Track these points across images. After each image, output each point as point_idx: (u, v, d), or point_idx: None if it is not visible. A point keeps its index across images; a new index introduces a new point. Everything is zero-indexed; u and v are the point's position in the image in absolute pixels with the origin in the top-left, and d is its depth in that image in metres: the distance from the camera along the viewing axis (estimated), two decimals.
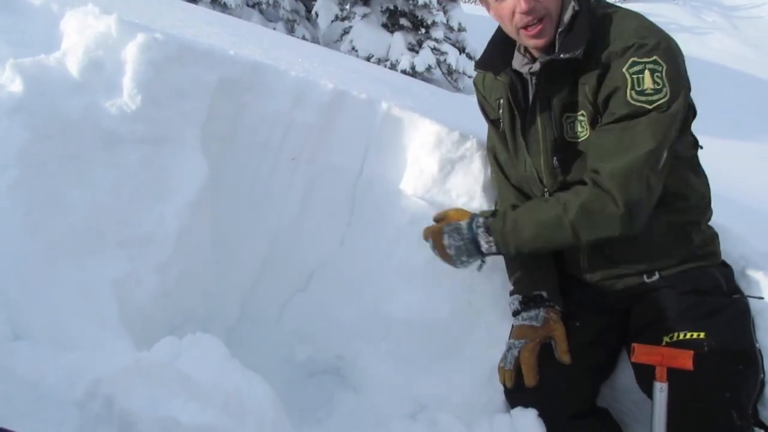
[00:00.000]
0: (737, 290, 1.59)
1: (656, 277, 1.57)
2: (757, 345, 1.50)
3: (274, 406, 1.17)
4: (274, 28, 12.73)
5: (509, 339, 1.64)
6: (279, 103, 1.86)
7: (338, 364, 1.87)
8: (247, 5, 14.91)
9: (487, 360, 1.71)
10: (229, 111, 1.82)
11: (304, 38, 13.45)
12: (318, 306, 1.90)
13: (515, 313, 1.66)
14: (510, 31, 1.53)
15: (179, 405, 1.01)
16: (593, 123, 1.50)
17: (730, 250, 1.68)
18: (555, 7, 1.47)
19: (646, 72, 1.39)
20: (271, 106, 1.86)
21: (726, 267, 1.63)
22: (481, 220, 1.56)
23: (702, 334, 1.44)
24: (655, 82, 1.39)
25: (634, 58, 1.40)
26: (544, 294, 1.63)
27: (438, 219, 1.69)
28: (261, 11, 15.00)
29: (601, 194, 1.42)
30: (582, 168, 1.53)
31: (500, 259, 1.77)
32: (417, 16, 13.96)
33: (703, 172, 1.64)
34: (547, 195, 1.63)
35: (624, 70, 1.40)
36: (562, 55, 1.46)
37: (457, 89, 13.38)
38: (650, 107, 1.39)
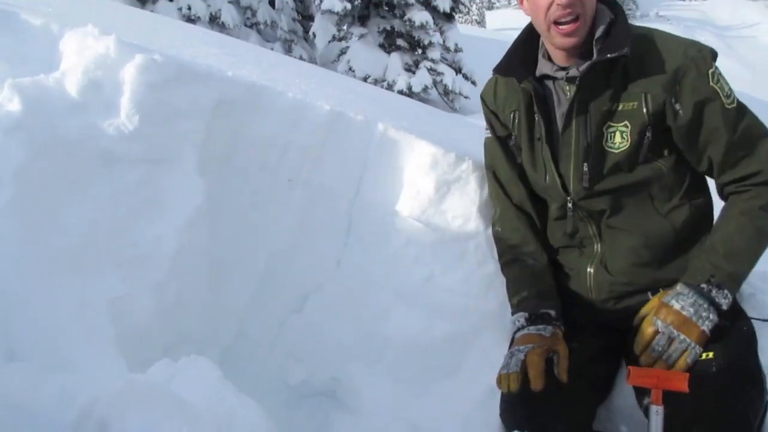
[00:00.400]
0: (740, 310, 1.59)
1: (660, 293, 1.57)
2: (762, 367, 1.50)
3: (268, 430, 1.16)
4: (272, 48, 12.84)
5: (512, 347, 1.58)
6: (276, 124, 1.87)
7: (334, 387, 1.85)
8: (245, 25, 15.05)
9: (483, 382, 1.70)
10: (226, 132, 1.83)
11: (301, 58, 13.57)
12: (314, 327, 1.90)
13: (519, 329, 1.61)
14: (541, 24, 1.50)
15: (173, 429, 1.00)
16: (642, 133, 1.50)
17: None
18: (591, 11, 1.48)
19: (719, 78, 1.49)
20: (269, 127, 1.87)
21: None
22: (704, 286, 1.46)
23: (710, 354, 1.44)
24: (725, 83, 1.51)
25: (710, 70, 1.48)
26: (552, 313, 1.61)
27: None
28: (259, 31, 15.15)
29: None
30: (611, 175, 1.54)
31: (496, 279, 1.77)
32: (414, 37, 14.12)
33: (708, 189, 1.65)
34: (570, 204, 1.60)
35: (711, 84, 1.47)
36: (609, 55, 1.46)
37: (454, 110, 13.49)
38: (736, 104, 1.50)
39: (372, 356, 1.81)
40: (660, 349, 1.45)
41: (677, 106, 1.47)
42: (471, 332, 1.79)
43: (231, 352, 1.88)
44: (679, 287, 1.49)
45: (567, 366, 1.52)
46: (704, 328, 1.43)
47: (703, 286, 1.45)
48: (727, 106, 1.48)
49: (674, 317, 1.44)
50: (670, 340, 1.44)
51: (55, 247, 1.42)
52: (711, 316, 1.43)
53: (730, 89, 1.50)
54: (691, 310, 1.44)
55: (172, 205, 1.62)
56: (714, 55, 1.51)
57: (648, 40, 1.51)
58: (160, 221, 1.60)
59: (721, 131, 1.48)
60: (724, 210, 1.55)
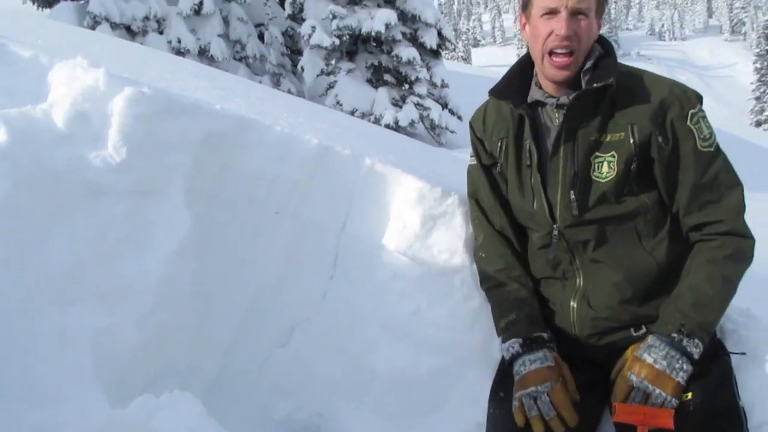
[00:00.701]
0: (720, 346, 1.60)
1: (643, 330, 1.58)
2: (741, 402, 1.50)
3: None
4: (260, 82, 12.96)
5: (526, 388, 1.53)
6: (264, 158, 1.89)
7: (319, 422, 1.83)
8: (234, 59, 15.20)
9: (469, 417, 1.69)
10: (214, 164, 1.84)
11: (289, 92, 13.70)
12: (299, 361, 1.88)
13: (515, 357, 1.59)
14: (537, 52, 1.56)
15: None
16: (628, 163, 1.53)
17: None
18: (585, 49, 1.54)
19: (700, 120, 1.53)
20: (257, 160, 1.88)
21: None
22: (675, 335, 1.46)
23: (689, 395, 1.44)
24: (706, 125, 1.54)
25: (691, 111, 1.52)
26: (545, 336, 1.61)
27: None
28: (248, 65, 15.30)
29: (738, 248, 1.52)
30: (599, 205, 1.56)
31: (482, 313, 1.76)
32: (401, 72, 14.32)
33: None
34: (555, 232, 1.61)
35: (689, 124, 1.51)
36: (595, 85, 1.51)
37: (440, 144, 13.63)
38: (713, 149, 1.53)
39: (358, 391, 1.79)
40: (637, 401, 1.45)
41: (660, 139, 1.51)
42: (457, 367, 1.78)
43: (215, 386, 1.85)
44: (650, 339, 1.50)
45: (575, 384, 1.56)
46: (678, 379, 1.43)
47: (674, 335, 1.46)
48: (700, 148, 1.51)
49: (648, 371, 1.45)
50: (646, 395, 1.44)
51: (38, 278, 1.40)
52: (684, 366, 1.44)
53: (710, 134, 1.53)
54: (664, 363, 1.44)
55: (159, 238, 1.61)
56: (699, 98, 1.55)
57: (637, 76, 1.57)
58: (146, 253, 1.59)
59: (690, 172, 1.52)
60: (690, 258, 1.56)
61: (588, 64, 1.56)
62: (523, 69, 1.68)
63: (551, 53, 1.52)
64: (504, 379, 1.65)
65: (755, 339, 1.61)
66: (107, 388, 1.36)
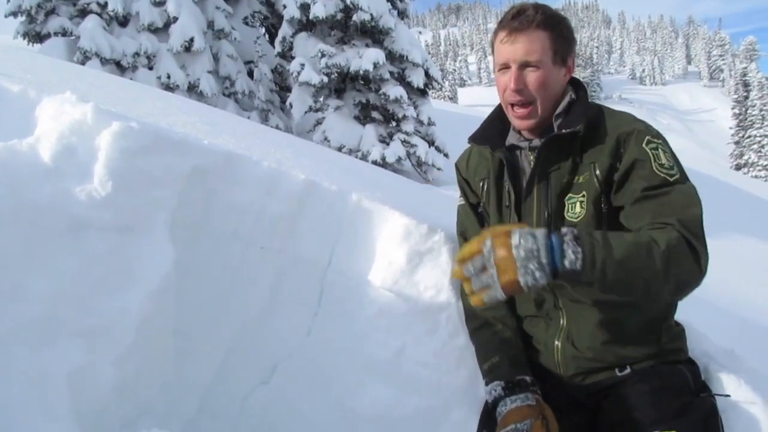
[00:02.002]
0: (704, 388, 1.60)
1: (627, 371, 1.58)
2: None
3: None
4: (249, 117, 13.05)
5: (506, 426, 1.50)
6: (250, 193, 1.89)
7: None
8: (224, 94, 15.33)
9: None
10: (199, 199, 1.83)
11: (277, 127, 13.80)
12: (281, 400, 1.84)
13: (497, 399, 1.58)
14: (502, 103, 1.63)
15: None
16: (597, 202, 1.53)
17: (693, 346, 1.70)
18: (545, 97, 1.57)
19: (660, 150, 1.50)
20: (242, 195, 1.88)
21: (692, 364, 1.64)
22: (564, 230, 1.32)
23: None
24: (667, 159, 1.49)
25: (648, 137, 1.51)
26: (528, 379, 1.60)
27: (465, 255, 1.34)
28: (237, 101, 15.43)
29: (682, 237, 1.37)
30: None
31: (467, 352, 1.75)
32: (388, 110, 14.50)
33: None
34: None
35: (643, 146, 1.49)
36: (564, 131, 1.54)
37: (427, 181, 13.72)
38: (671, 179, 1.46)
39: (342, 431, 1.76)
40: (472, 270, 1.30)
41: (617, 164, 1.52)
42: (442, 407, 1.75)
43: (194, 425, 1.80)
44: (537, 230, 1.31)
45: (557, 427, 1.52)
46: (520, 279, 1.27)
47: (563, 231, 1.31)
48: (655, 170, 1.47)
49: (502, 251, 1.28)
50: (484, 268, 1.30)
51: (15, 316, 1.36)
52: (537, 275, 1.26)
53: (671, 165, 1.47)
54: (522, 253, 1.27)
55: (141, 275, 1.59)
56: (659, 134, 1.55)
57: (600, 115, 1.59)
58: (127, 291, 1.55)
59: (636, 184, 1.47)
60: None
61: (560, 109, 1.60)
62: (501, 114, 1.72)
63: (512, 105, 1.58)
64: (488, 420, 1.63)
65: (740, 381, 1.61)
66: (84, 428, 1.32)
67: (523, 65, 1.53)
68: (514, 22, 1.53)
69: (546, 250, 1.28)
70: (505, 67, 1.56)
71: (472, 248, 1.31)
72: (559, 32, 1.57)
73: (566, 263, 1.28)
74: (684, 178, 1.49)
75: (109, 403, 1.48)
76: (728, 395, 1.59)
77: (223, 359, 1.88)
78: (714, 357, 1.70)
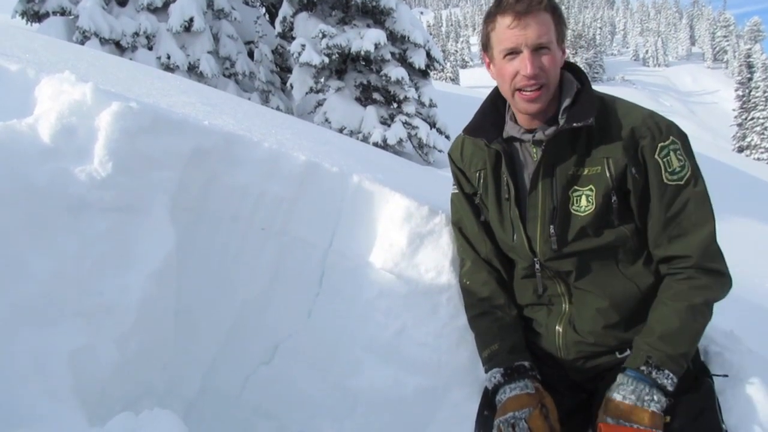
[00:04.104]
0: (703, 369, 1.61)
1: (627, 353, 1.58)
2: (724, 426, 1.50)
3: None
4: (249, 98, 12.98)
5: (505, 414, 1.53)
6: (251, 174, 1.88)
7: None
8: (224, 75, 15.22)
9: None
10: (200, 181, 1.82)
11: (278, 109, 13.73)
12: (282, 380, 1.85)
13: (497, 386, 1.60)
14: (506, 91, 1.57)
15: None
16: (607, 196, 1.53)
17: None
18: (554, 80, 1.54)
19: (671, 153, 1.51)
20: (243, 176, 1.87)
21: None
22: (643, 368, 1.48)
23: (667, 418, 1.44)
24: (678, 159, 1.51)
25: (661, 144, 1.51)
26: (526, 364, 1.61)
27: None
28: (237, 81, 15.32)
29: (709, 275, 1.52)
30: (578, 239, 1.55)
31: (468, 333, 1.76)
32: (389, 92, 14.41)
33: None
34: (537, 265, 1.62)
35: (656, 156, 1.51)
36: (575, 124, 1.51)
37: (428, 162, 13.69)
38: (683, 183, 1.51)
39: (341, 411, 1.77)
40: None
41: (634, 170, 1.51)
42: (442, 387, 1.76)
43: (196, 405, 1.82)
44: (618, 378, 1.51)
45: (557, 415, 1.54)
46: (653, 409, 1.44)
47: (642, 368, 1.48)
48: (666, 181, 1.50)
49: (619, 410, 1.46)
50: None
51: (17, 295, 1.37)
52: (656, 397, 1.45)
53: (681, 166, 1.51)
54: (633, 397, 1.46)
55: (142, 254, 1.59)
56: (671, 128, 1.53)
57: (611, 106, 1.56)
58: (128, 270, 1.56)
59: (656, 206, 1.52)
60: (660, 292, 1.56)
61: (567, 101, 1.56)
62: (495, 104, 1.69)
63: (520, 90, 1.53)
64: (488, 406, 1.64)
65: (738, 361, 1.62)
66: (86, 407, 1.33)
67: (537, 48, 1.49)
68: (520, 5, 1.48)
69: (648, 386, 1.46)
70: (514, 52, 1.51)
71: None
72: (559, 14, 1.55)
73: (669, 388, 1.46)
74: (694, 175, 1.52)
75: (111, 382, 1.49)
76: (726, 375, 1.60)
77: (225, 340, 1.89)
78: (713, 338, 1.70)
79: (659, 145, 1.50)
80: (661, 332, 1.49)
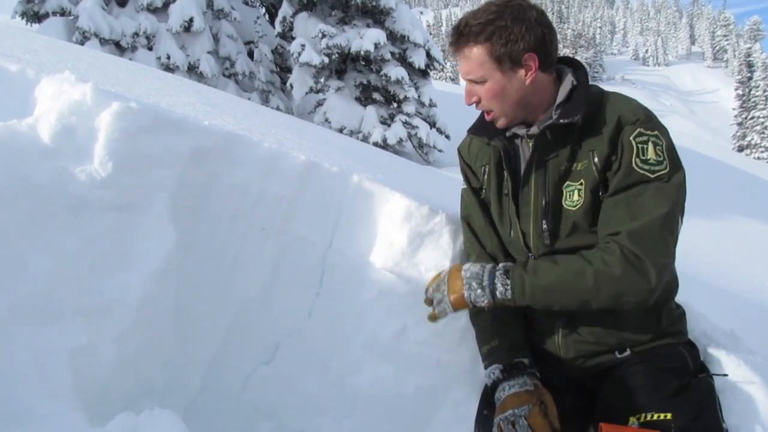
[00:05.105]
0: (703, 369, 1.60)
1: (627, 353, 1.59)
2: (724, 425, 1.50)
3: None
4: (249, 98, 12.97)
5: (505, 411, 1.52)
6: (250, 174, 1.88)
7: None
8: (224, 75, 15.23)
9: None
10: (200, 180, 1.83)
11: (278, 109, 13.72)
12: (282, 379, 1.86)
13: (496, 383, 1.59)
14: None
15: None
16: (595, 190, 1.52)
17: (692, 327, 1.71)
18: (502, 105, 1.55)
19: (650, 143, 1.46)
20: (243, 176, 1.88)
21: (692, 346, 1.65)
22: (500, 265, 1.55)
23: (669, 416, 1.43)
24: (657, 154, 1.46)
25: (641, 129, 1.47)
26: (526, 361, 1.61)
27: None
28: (237, 81, 15.33)
29: (622, 254, 1.42)
30: (571, 234, 1.56)
31: (468, 332, 1.76)
32: (389, 91, 14.42)
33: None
34: (531, 261, 1.60)
35: (631, 138, 1.47)
36: (561, 121, 1.52)
37: (428, 162, 13.69)
38: (652, 176, 1.44)
39: (341, 410, 1.77)
40: (431, 291, 1.59)
41: (613, 158, 1.50)
42: (443, 386, 1.77)
43: (196, 403, 1.82)
44: (487, 265, 1.56)
45: (557, 412, 1.52)
46: (465, 293, 1.52)
47: (498, 267, 1.53)
48: (634, 165, 1.45)
49: (454, 274, 1.56)
50: (438, 288, 1.58)
51: (16, 294, 1.37)
52: (478, 292, 1.51)
53: (659, 161, 1.45)
54: (468, 274, 1.53)
55: (141, 253, 1.59)
56: (662, 128, 1.50)
57: (600, 102, 1.56)
58: (128, 269, 1.56)
59: (613, 185, 1.48)
60: None
61: (561, 97, 1.57)
62: None
63: None
64: (488, 404, 1.64)
65: (739, 361, 1.62)
66: (86, 407, 1.33)
67: (470, 81, 1.55)
68: (452, 41, 1.55)
69: (488, 277, 1.51)
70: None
71: (433, 276, 1.61)
72: (497, 40, 1.48)
73: (497, 294, 1.51)
74: (672, 173, 1.45)
75: (111, 381, 1.49)
76: (726, 375, 1.60)
77: (224, 339, 1.89)
78: (713, 338, 1.70)
79: (639, 130, 1.47)
80: (534, 266, 1.51)
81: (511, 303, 1.51)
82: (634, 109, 1.52)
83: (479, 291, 1.51)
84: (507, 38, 1.49)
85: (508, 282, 1.49)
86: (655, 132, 1.48)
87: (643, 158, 1.45)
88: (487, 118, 1.59)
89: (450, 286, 1.55)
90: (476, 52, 1.50)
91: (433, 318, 1.59)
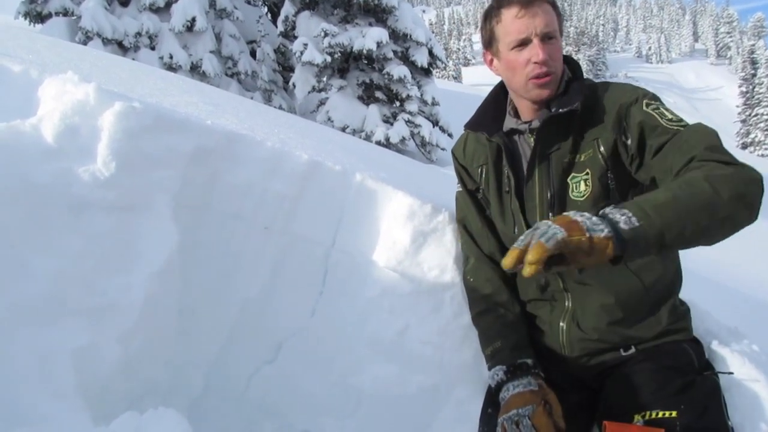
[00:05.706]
0: (708, 366, 1.60)
1: (632, 350, 1.59)
2: (730, 423, 1.49)
3: None
4: (252, 98, 12.99)
5: (509, 411, 1.50)
6: (253, 173, 1.88)
7: None
8: (226, 75, 15.25)
9: None
10: (202, 179, 1.83)
11: (280, 108, 13.73)
12: (286, 378, 1.86)
13: (500, 384, 1.59)
14: (519, 81, 1.58)
15: None
16: (603, 178, 1.53)
17: (697, 324, 1.70)
18: (560, 69, 1.59)
19: (662, 108, 1.49)
20: (245, 175, 1.88)
21: (697, 343, 1.64)
22: (607, 208, 1.25)
23: (674, 414, 1.43)
24: (673, 114, 1.48)
25: (646, 101, 1.50)
26: (529, 362, 1.60)
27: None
28: (239, 81, 15.36)
29: (715, 162, 1.31)
30: None
31: (472, 331, 1.76)
32: (392, 90, 14.43)
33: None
34: None
35: (644, 111, 1.48)
36: (561, 110, 1.53)
37: (431, 161, 13.69)
38: (683, 129, 1.43)
39: (345, 409, 1.77)
40: (520, 244, 1.19)
41: (623, 138, 1.51)
42: (446, 385, 1.76)
43: (199, 403, 1.82)
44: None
45: (561, 411, 1.51)
46: (579, 218, 1.20)
47: (607, 210, 1.24)
48: (665, 124, 1.45)
49: (564, 218, 1.22)
50: (536, 227, 1.21)
51: (19, 295, 1.37)
52: (595, 219, 1.19)
53: (680, 118, 1.47)
54: (581, 218, 1.21)
55: (144, 253, 1.60)
56: (656, 97, 1.54)
57: (597, 91, 1.58)
58: (131, 269, 1.57)
59: (654, 144, 1.44)
60: None
61: (558, 91, 1.59)
62: (497, 100, 1.72)
63: (533, 78, 1.55)
64: (492, 403, 1.64)
65: (743, 359, 1.61)
66: (90, 406, 1.33)
67: (545, 37, 1.53)
68: None
69: (598, 215, 1.22)
70: (523, 43, 1.54)
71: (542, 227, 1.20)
72: (558, 8, 1.60)
73: (621, 224, 1.19)
74: (685, 122, 1.47)
75: (114, 381, 1.49)
76: (731, 373, 1.59)
77: (228, 338, 1.89)
78: (718, 335, 1.70)
79: (645, 101, 1.50)
80: (646, 197, 1.27)
81: (641, 232, 1.19)
82: (628, 91, 1.55)
83: (595, 219, 1.20)
84: (561, 13, 1.62)
85: (625, 210, 1.22)
86: (658, 102, 1.52)
87: (668, 119, 1.47)
88: (545, 80, 1.54)
89: (555, 220, 1.21)
90: (551, 9, 1.56)
91: (532, 263, 1.14)
